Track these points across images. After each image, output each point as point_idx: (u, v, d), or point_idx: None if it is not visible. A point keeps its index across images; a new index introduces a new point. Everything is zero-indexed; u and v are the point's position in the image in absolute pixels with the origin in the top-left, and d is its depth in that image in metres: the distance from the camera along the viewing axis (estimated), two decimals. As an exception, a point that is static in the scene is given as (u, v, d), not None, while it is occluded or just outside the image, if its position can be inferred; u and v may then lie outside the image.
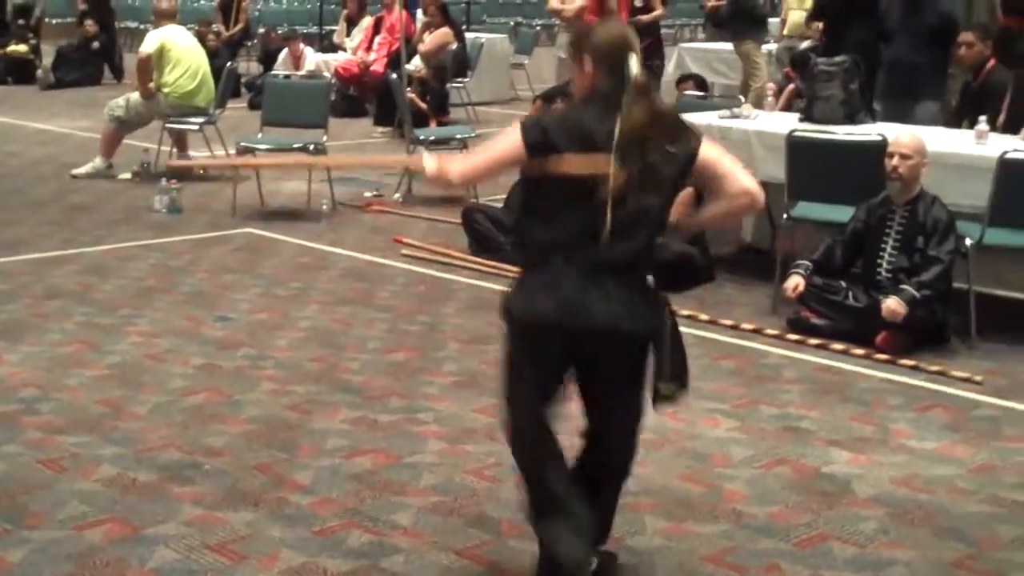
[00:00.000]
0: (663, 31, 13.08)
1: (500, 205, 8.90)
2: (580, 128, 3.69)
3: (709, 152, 3.89)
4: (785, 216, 7.32)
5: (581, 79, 3.83)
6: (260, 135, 10.10)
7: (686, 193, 7.57)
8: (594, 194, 3.64)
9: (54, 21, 23.18)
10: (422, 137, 10.46)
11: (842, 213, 6.91)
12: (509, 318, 3.93)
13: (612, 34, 3.81)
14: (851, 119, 7.81)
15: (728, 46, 13.83)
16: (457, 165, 3.84)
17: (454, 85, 14.47)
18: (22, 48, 18.45)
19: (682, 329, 5.70)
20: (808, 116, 7.96)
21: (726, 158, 3.96)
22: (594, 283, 3.75)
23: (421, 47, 14.00)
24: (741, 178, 3.91)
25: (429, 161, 3.88)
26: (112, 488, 4.58)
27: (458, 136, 10.50)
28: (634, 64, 3.70)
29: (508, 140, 3.74)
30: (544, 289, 3.76)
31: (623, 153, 3.66)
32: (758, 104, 9.28)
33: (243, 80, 16.14)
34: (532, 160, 3.70)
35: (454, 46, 14.42)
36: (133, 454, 4.89)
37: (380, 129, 13.84)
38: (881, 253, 6.61)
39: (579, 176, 3.65)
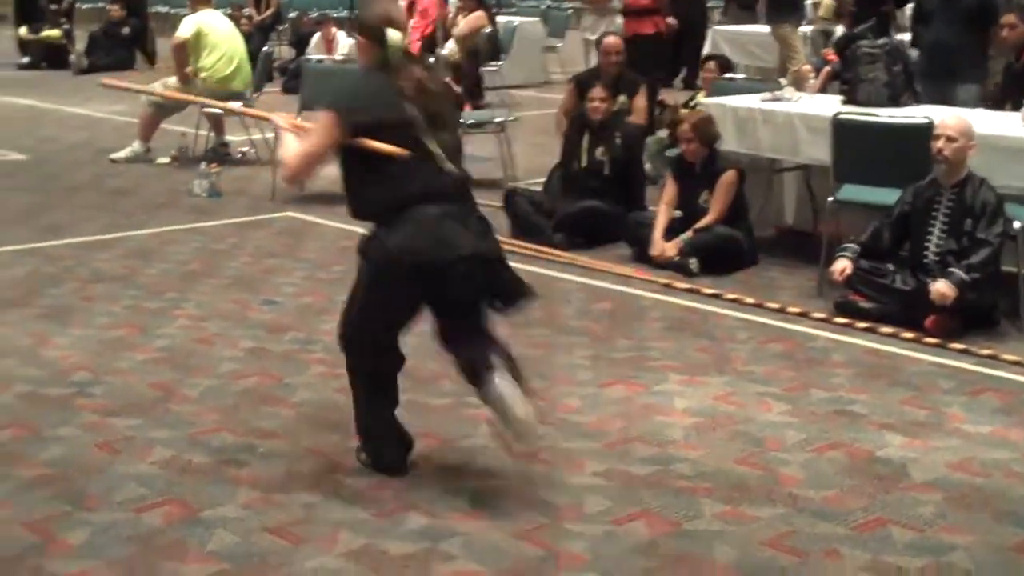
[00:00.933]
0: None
1: (540, 189, 8.90)
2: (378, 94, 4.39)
3: None
4: (831, 199, 7.28)
5: (361, 54, 4.56)
6: (299, 119, 10.08)
7: (730, 174, 7.57)
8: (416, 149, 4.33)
9: (86, 6, 23.28)
10: (460, 120, 10.44)
11: (888, 196, 6.88)
12: (386, 258, 4.42)
13: (374, 11, 4.49)
14: (895, 101, 7.77)
15: (761, 28, 13.78)
16: (291, 163, 4.47)
17: (488, 69, 14.44)
18: (55, 33, 18.52)
19: (728, 312, 5.73)
20: (852, 99, 7.91)
21: None
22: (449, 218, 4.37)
23: (455, 31, 13.97)
24: None
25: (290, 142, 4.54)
26: (168, 470, 4.60)
27: (497, 119, 10.48)
28: (393, 35, 4.37)
29: (325, 131, 4.36)
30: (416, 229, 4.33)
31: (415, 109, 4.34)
32: (797, 87, 9.23)
33: (276, 64, 16.15)
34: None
35: (488, 29, 14.40)
36: (187, 437, 4.90)
37: (414, 113, 13.82)
38: (929, 236, 6.57)
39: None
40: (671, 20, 12.28)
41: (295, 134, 4.64)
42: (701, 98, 9.59)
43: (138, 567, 3.90)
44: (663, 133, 9.87)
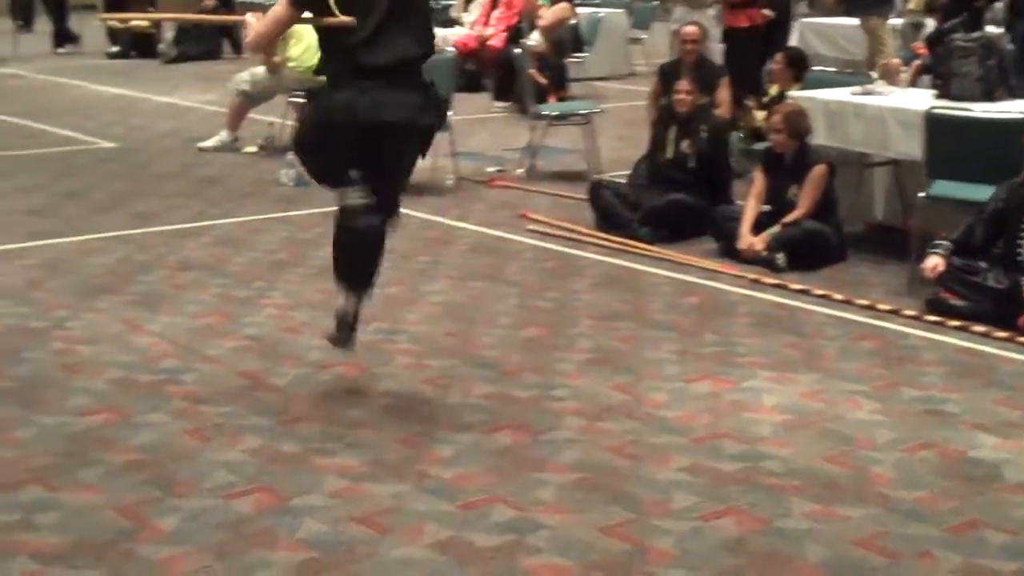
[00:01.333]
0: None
1: (625, 181, 8.86)
2: None
3: None
4: (922, 194, 7.17)
5: None
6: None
7: (820, 167, 7.49)
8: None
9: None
10: (545, 112, 10.44)
11: (981, 192, 6.76)
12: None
13: None
14: (989, 96, 7.64)
15: (850, 21, 13.62)
16: (255, 28, 5.13)
17: (572, 60, 14.39)
18: (144, 23, 18.73)
19: (817, 309, 5.62)
20: (944, 93, 7.80)
21: None
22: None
23: (540, 22, 13.93)
24: None
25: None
26: (257, 458, 4.63)
27: (582, 111, 10.45)
28: None
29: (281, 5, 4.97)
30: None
31: None
32: (888, 80, 9.10)
33: (361, 54, 16.20)
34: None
35: (573, 21, 14.35)
36: (276, 425, 4.94)
37: (499, 104, 13.86)
38: (1023, 234, 6.45)
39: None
40: (767, 12, 12.14)
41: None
42: (772, 91, 9.48)
43: (228, 553, 3.93)
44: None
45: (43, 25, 19.71)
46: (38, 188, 9.32)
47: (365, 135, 4.97)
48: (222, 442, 4.77)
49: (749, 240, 7.45)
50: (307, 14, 5.00)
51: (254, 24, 5.17)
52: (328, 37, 5.04)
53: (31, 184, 9.45)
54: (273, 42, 5.20)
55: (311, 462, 4.61)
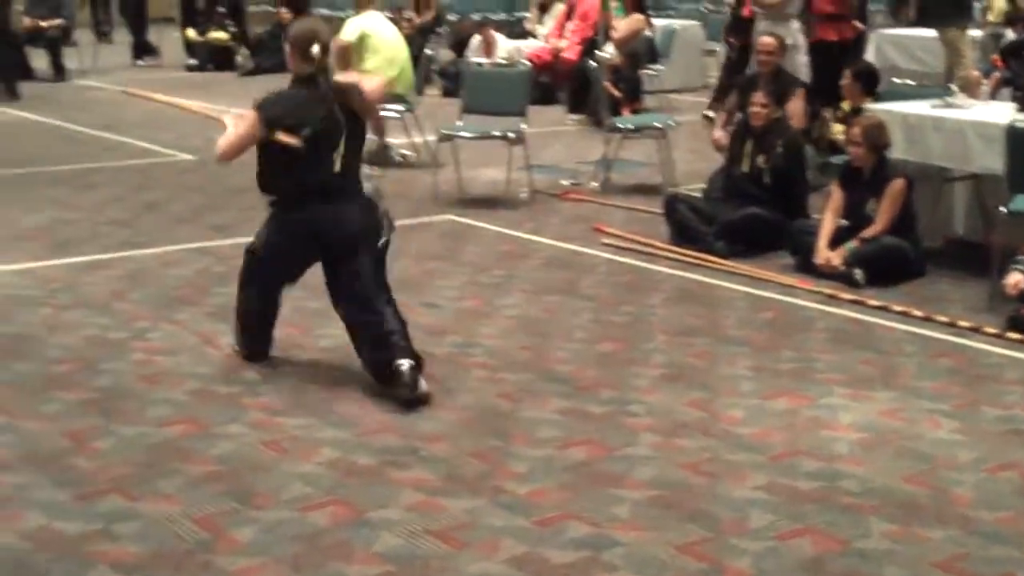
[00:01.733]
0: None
1: (700, 195, 8.82)
2: (294, 105, 5.52)
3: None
4: (1003, 209, 7.07)
5: (291, 63, 5.64)
6: (459, 122, 10.18)
7: (898, 182, 7.40)
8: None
9: (252, 8, 23.78)
10: (619, 125, 10.42)
11: (1065, 208, 6.66)
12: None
13: (301, 27, 5.63)
14: (1071, 109, 7.53)
15: (928, 32, 13.45)
16: (220, 143, 5.64)
17: (647, 72, 14.37)
18: (222, 35, 18.95)
19: (895, 325, 5.59)
20: (1025, 106, 7.69)
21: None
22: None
23: (614, 34, 13.90)
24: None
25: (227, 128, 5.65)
26: (334, 471, 4.66)
27: (656, 124, 10.42)
28: (315, 49, 5.44)
29: (248, 122, 5.51)
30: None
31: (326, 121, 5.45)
32: (968, 93, 8.99)
33: (435, 67, 16.30)
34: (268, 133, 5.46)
35: (648, 32, 14.32)
36: (352, 438, 4.97)
37: (573, 116, 13.85)
38: (1108, 250, 6.35)
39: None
40: (859, 25, 12.05)
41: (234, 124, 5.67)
42: (845, 107, 9.38)
43: (304, 566, 3.96)
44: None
45: (122, 37, 19.98)
46: (119, 200, 9.45)
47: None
48: (299, 454, 4.81)
49: (826, 255, 7.39)
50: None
51: (229, 130, 5.64)
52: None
53: (112, 196, 9.59)
54: (240, 154, 5.75)
55: (387, 475, 4.63)
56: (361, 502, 4.40)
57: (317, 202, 5.58)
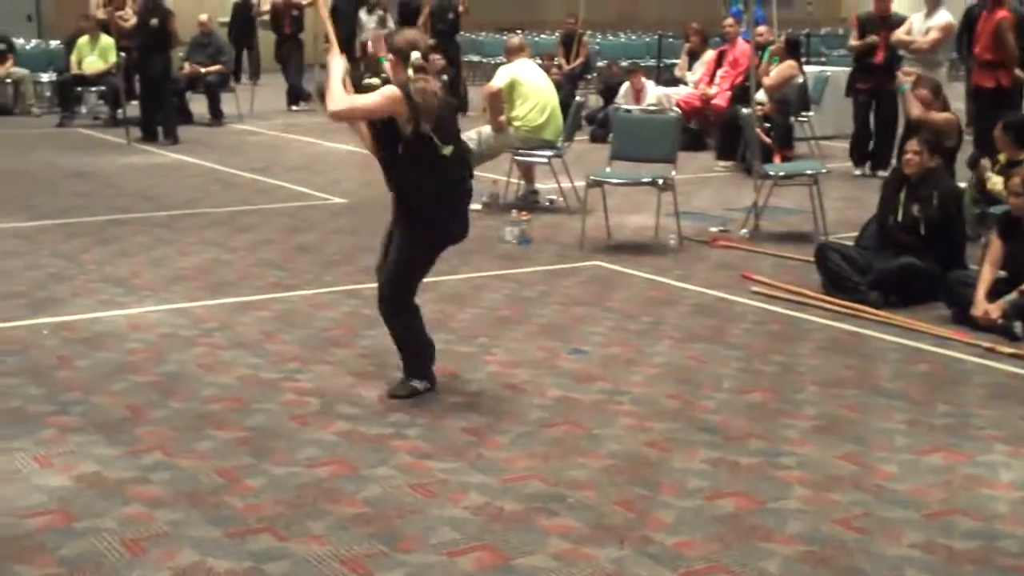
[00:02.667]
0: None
1: (850, 243, 8.68)
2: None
3: None
4: None
5: (392, 70, 5.82)
6: (609, 168, 10.18)
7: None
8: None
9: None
10: (770, 172, 10.32)
11: None
12: (438, 236, 6.02)
13: (404, 36, 5.87)
14: None
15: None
16: (340, 103, 5.73)
17: (799, 120, 14.24)
18: (375, 82, 19.22)
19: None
20: None
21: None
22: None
23: (766, 80, 13.82)
24: None
25: (336, 86, 5.74)
26: (481, 516, 4.66)
27: (808, 171, 10.28)
28: (416, 55, 5.65)
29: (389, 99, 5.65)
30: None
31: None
32: None
33: (584, 113, 16.35)
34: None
35: (799, 79, 14.19)
36: (499, 483, 4.96)
37: (722, 163, 13.78)
38: None
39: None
40: (1020, 73, 11.79)
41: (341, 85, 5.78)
42: (1001, 158, 9.14)
43: (451, 611, 3.95)
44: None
45: (279, 83, 20.45)
46: (271, 242, 9.64)
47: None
48: (446, 498, 4.81)
49: (984, 307, 7.20)
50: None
51: (349, 100, 5.77)
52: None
53: (265, 238, 9.79)
54: (354, 121, 6.09)
55: (534, 522, 4.61)
56: (508, 548, 4.38)
57: (456, 201, 5.95)
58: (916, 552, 4.40)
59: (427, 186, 5.79)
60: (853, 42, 13.46)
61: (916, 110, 9.20)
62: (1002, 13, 11.86)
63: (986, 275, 7.36)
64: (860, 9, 14.13)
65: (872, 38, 13.03)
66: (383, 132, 5.81)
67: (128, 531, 4.49)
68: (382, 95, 5.68)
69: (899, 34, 12.63)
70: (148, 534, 4.47)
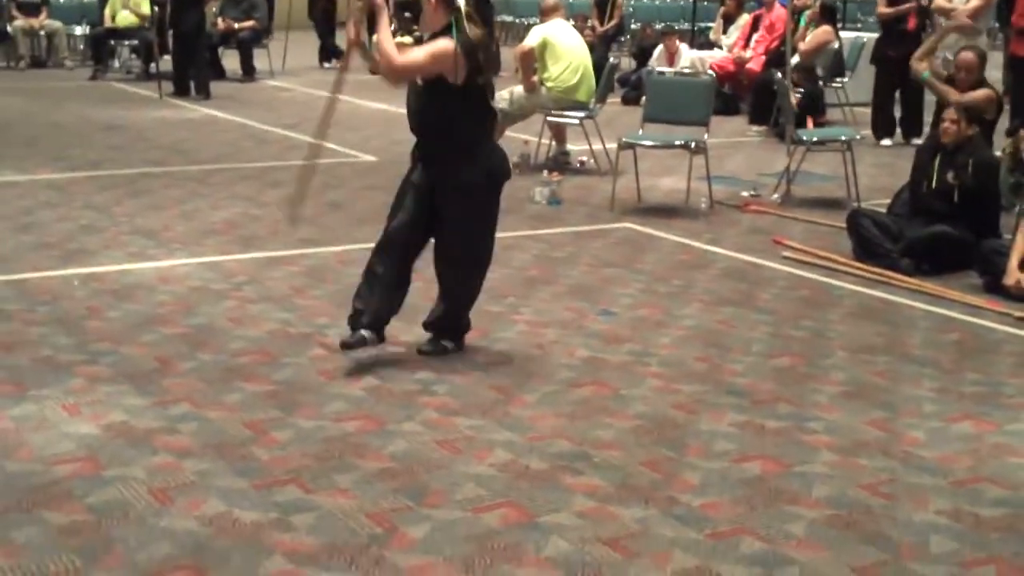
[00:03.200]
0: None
1: (882, 210, 8.62)
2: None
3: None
4: None
5: (431, 15, 5.69)
6: (641, 131, 10.14)
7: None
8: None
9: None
10: (803, 137, 10.25)
11: None
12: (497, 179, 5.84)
13: None
14: None
15: None
16: (401, 62, 5.68)
17: (832, 85, 14.13)
18: (407, 40, 19.20)
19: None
20: None
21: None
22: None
23: (801, 46, 13.72)
24: None
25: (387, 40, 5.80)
26: (506, 473, 4.66)
27: (842, 137, 10.22)
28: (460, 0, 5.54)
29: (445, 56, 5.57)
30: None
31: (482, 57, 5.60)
32: None
33: (617, 75, 16.27)
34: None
35: (835, 45, 14.08)
36: (525, 441, 4.96)
37: (755, 128, 13.70)
38: None
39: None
40: None
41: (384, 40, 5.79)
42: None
43: (475, 566, 3.96)
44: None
45: (311, 40, 20.42)
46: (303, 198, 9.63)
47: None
48: (472, 455, 4.82)
49: (1017, 276, 7.15)
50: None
51: (404, 57, 5.73)
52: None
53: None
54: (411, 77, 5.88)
55: (560, 480, 4.61)
56: (533, 506, 4.39)
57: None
58: (942, 519, 4.38)
59: (482, 137, 5.81)
60: (884, 8, 13.18)
61: (953, 95, 9.11)
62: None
63: (1019, 244, 7.30)
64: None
65: (908, 4, 12.86)
66: (433, 89, 5.71)
67: (156, 480, 4.52)
68: (435, 50, 5.61)
69: (940, 1, 12.47)
70: (175, 483, 4.49)
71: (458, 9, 5.57)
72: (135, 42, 17.84)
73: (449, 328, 6.03)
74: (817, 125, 12.64)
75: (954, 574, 3.99)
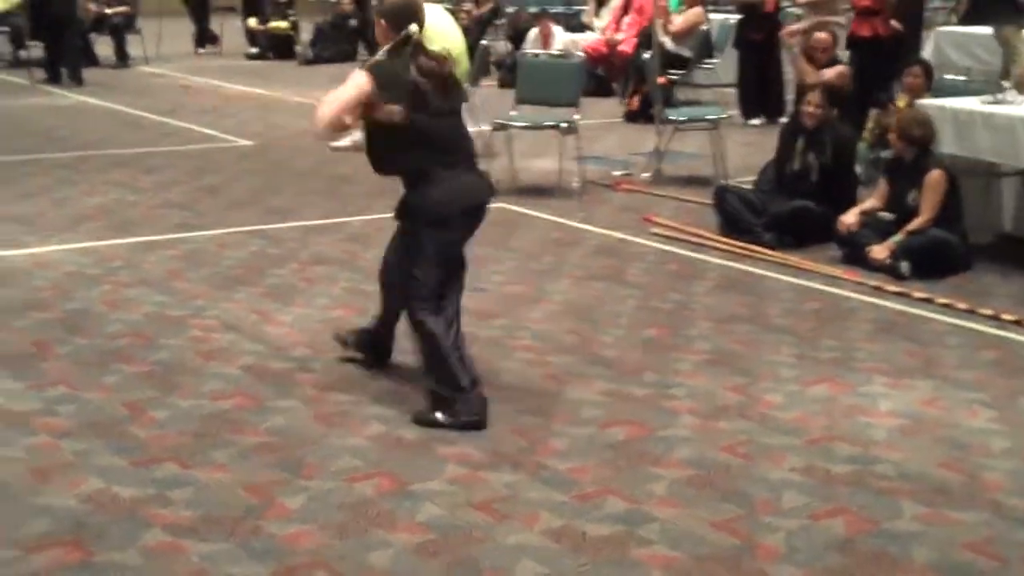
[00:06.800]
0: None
1: (750, 187, 8.90)
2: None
3: None
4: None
5: (380, 36, 5.06)
6: (513, 112, 10.30)
7: (935, 173, 7.35)
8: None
9: (312, -1, 24.01)
10: (672, 117, 10.51)
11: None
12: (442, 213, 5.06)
13: (395, 2, 5.06)
14: (1122, 107, 7.54)
15: (986, 30, 13.41)
16: (324, 112, 4.89)
17: (703, 66, 14.44)
18: (283, 24, 19.20)
19: (939, 317, 5.53)
20: (1077, 103, 7.70)
21: None
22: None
23: (671, 27, 14.00)
24: None
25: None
26: (379, 444, 4.81)
27: (709, 116, 10.49)
28: (413, 27, 4.95)
29: (356, 86, 4.88)
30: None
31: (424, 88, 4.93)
32: (1020, 90, 9.00)
33: (492, 59, 16.43)
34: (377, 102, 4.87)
35: (705, 26, 14.38)
36: (398, 414, 5.10)
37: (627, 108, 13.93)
38: None
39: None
40: (895, 23, 12.03)
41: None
42: (900, 103, 9.42)
43: (350, 532, 4.10)
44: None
45: (185, 26, 20.26)
46: (178, 183, 9.66)
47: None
48: (347, 428, 4.95)
49: (851, 220, 7.58)
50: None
51: (324, 105, 4.91)
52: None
53: (172, 179, 9.81)
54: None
55: (432, 450, 4.77)
56: (406, 475, 4.54)
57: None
58: (796, 475, 4.62)
59: (431, 166, 5.06)
60: None
61: (810, 76, 9.40)
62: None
63: (866, 203, 7.70)
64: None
65: None
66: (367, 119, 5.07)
67: (35, 460, 4.58)
68: (349, 82, 4.94)
69: None
70: (54, 463, 4.56)
71: (406, 36, 4.97)
72: (5, 28, 17.56)
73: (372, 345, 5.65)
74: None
75: (804, 525, 4.23)
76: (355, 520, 4.18)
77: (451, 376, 5.00)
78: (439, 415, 5.00)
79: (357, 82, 4.91)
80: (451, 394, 4.99)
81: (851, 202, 8.25)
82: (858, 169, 9.02)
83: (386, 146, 5.05)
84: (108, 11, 17.61)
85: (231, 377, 5.51)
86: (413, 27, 4.98)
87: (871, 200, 7.75)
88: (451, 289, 5.20)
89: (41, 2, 16.06)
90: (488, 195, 5.25)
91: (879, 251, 7.41)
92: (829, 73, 9.39)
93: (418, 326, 5.08)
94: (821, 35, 9.78)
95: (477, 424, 4.96)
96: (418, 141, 4.97)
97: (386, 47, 5.02)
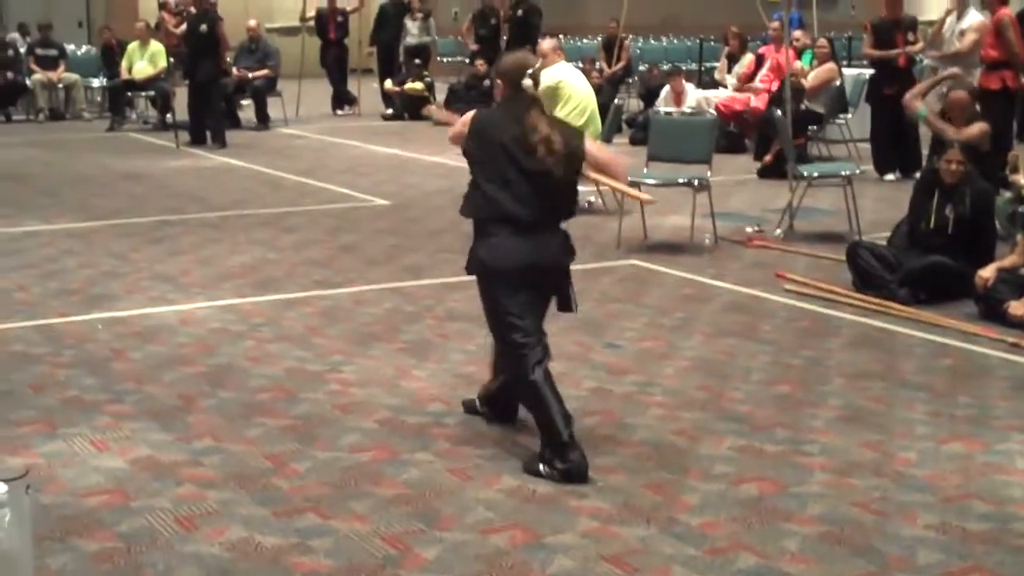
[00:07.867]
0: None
1: (884, 243, 8.84)
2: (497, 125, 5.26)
3: (590, 147, 5.40)
4: None
5: (499, 95, 5.50)
6: (646, 170, 10.38)
7: None
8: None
9: (445, 60, 24.48)
10: (805, 173, 10.49)
11: None
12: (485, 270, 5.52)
13: (513, 60, 5.46)
14: None
15: None
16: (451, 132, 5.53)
17: (836, 122, 14.39)
18: (418, 86, 19.58)
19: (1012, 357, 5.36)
20: None
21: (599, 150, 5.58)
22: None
23: (805, 83, 13.98)
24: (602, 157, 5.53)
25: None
26: (513, 497, 4.89)
27: (843, 172, 10.46)
28: (527, 82, 5.23)
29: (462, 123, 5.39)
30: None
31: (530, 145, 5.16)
32: None
33: (624, 117, 16.56)
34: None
35: (838, 82, 14.34)
36: (532, 468, 5.19)
37: (760, 164, 13.93)
38: None
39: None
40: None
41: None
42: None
43: (484, 584, 4.18)
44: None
45: (324, 88, 20.76)
46: (317, 242, 9.92)
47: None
48: (482, 481, 5.05)
49: (992, 272, 7.50)
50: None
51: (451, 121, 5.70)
52: None
53: (311, 238, 10.07)
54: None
55: (565, 503, 4.83)
56: (539, 527, 4.61)
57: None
58: (930, 533, 4.59)
59: (479, 220, 5.56)
60: (869, 50, 13.59)
61: (950, 132, 9.34)
62: (1003, 11, 11.95)
63: (1006, 260, 7.59)
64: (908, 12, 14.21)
65: (893, 52, 13.15)
66: None
67: (181, 509, 4.76)
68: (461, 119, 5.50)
69: (931, 53, 12.77)
70: (200, 512, 4.73)
71: (522, 92, 5.28)
72: (152, 93, 18.20)
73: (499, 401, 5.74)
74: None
75: (939, 583, 4.21)
76: (489, 571, 4.27)
77: (551, 426, 5.14)
78: (541, 467, 5.10)
79: (464, 119, 5.42)
80: (551, 444, 5.11)
81: (990, 257, 8.16)
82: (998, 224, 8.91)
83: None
84: (250, 75, 18.13)
85: (368, 430, 5.65)
86: (527, 82, 5.27)
87: (1011, 257, 7.64)
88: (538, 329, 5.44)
89: (187, 67, 16.65)
90: (540, 257, 5.39)
91: (1017, 307, 7.31)
92: (972, 130, 9.31)
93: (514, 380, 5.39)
94: (959, 95, 9.70)
95: (570, 472, 5.03)
96: (474, 189, 5.37)
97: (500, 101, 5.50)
